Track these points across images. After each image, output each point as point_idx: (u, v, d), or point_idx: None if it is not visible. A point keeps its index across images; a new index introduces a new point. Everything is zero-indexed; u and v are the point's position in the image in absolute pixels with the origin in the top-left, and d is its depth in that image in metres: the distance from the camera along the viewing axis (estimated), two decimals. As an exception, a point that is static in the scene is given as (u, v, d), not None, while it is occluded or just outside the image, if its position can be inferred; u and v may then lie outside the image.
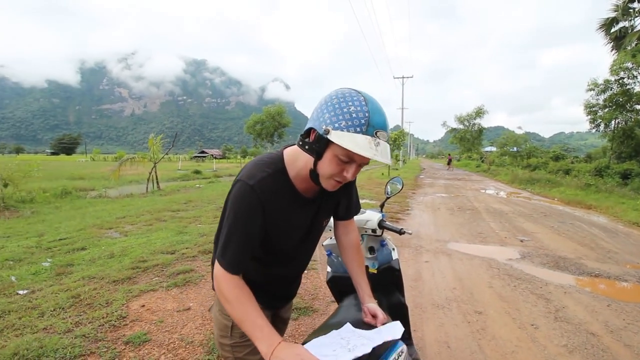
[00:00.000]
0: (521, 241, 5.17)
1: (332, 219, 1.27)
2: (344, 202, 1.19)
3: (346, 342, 0.84)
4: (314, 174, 0.90)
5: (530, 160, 23.42)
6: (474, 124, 32.75)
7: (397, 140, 22.81)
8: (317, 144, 0.85)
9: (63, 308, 2.59)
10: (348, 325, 0.96)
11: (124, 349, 2.12)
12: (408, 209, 7.91)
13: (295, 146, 0.96)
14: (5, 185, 8.14)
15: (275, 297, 1.19)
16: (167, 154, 15.83)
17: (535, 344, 2.35)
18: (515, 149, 27.37)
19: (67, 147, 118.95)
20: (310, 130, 0.87)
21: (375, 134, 0.81)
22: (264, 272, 1.11)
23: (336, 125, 0.81)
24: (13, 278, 3.20)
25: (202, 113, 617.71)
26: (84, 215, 7.06)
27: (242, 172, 0.95)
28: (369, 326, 1.03)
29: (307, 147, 0.88)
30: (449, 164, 34.13)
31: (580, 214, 7.99)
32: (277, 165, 0.95)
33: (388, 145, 0.85)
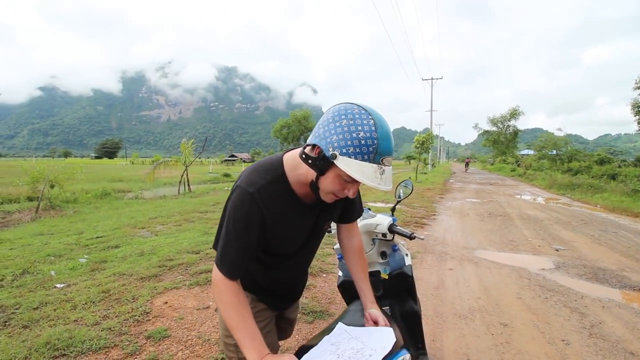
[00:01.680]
0: (556, 250, 4.85)
1: (333, 224, 1.27)
2: (346, 206, 1.17)
3: (336, 347, 0.83)
4: (314, 186, 0.89)
5: (571, 164, 21.93)
6: (508, 125, 31.29)
7: (425, 143, 22.23)
8: (321, 162, 0.83)
9: (94, 302, 2.75)
10: (340, 326, 0.94)
11: (145, 343, 2.21)
12: (434, 214, 7.67)
13: (296, 151, 0.95)
14: (52, 187, 8.82)
15: (280, 298, 1.20)
16: (198, 157, 16.47)
17: (566, 361, 2.19)
18: (554, 152, 25.80)
19: (109, 152, 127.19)
20: (314, 144, 0.85)
21: (382, 161, 0.81)
22: (268, 275, 1.12)
23: (344, 150, 0.79)
24: (53, 272, 3.46)
25: (233, 118, 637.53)
26: (120, 215, 7.50)
27: (241, 177, 0.95)
28: (361, 324, 1.02)
29: (310, 161, 0.86)
30: (466, 166, 37.88)
31: (625, 222, 7.37)
32: (277, 172, 0.94)
33: (391, 169, 0.85)
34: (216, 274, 0.93)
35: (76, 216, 7.65)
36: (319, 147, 0.83)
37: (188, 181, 13.67)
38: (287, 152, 1.00)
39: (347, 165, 0.79)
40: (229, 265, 0.91)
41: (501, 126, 31.78)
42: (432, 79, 33.17)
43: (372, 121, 0.80)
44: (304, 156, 0.88)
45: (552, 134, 28.60)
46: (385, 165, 0.82)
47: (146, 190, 13.86)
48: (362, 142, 0.78)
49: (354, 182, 0.85)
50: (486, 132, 33.00)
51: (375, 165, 0.80)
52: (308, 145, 0.89)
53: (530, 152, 34.02)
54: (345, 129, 0.80)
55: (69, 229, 5.97)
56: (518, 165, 31.55)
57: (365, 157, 0.79)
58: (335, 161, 0.80)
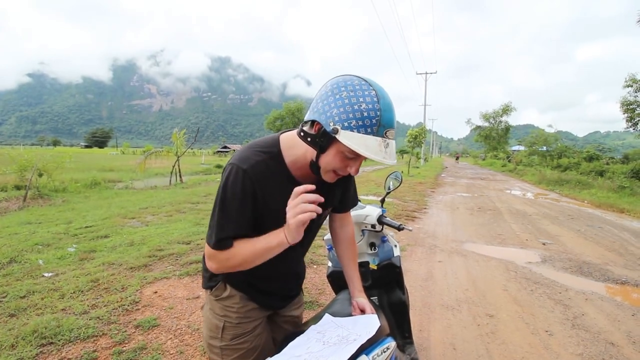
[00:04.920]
0: (543, 244, 4.95)
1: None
2: (341, 194, 1.11)
3: (321, 335, 0.84)
4: (315, 166, 0.86)
5: (561, 161, 22.30)
6: (500, 121, 31.58)
7: (419, 137, 22.32)
8: (321, 138, 0.80)
9: (82, 291, 2.73)
10: (326, 316, 0.96)
11: (134, 332, 2.21)
12: (425, 208, 7.75)
13: (293, 132, 0.91)
14: (40, 175, 8.65)
15: (272, 296, 1.08)
16: (190, 148, 16.29)
17: (548, 351, 2.25)
18: (545, 148, 26.16)
19: (99, 141, 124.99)
20: (313, 121, 0.82)
21: (385, 133, 0.78)
22: (257, 269, 0.96)
23: (346, 124, 0.76)
24: (40, 261, 3.41)
25: (226, 109, 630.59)
26: (110, 205, 7.40)
27: (235, 155, 0.91)
28: (348, 314, 1.03)
29: (309, 139, 0.83)
30: (457, 159, 41.54)
31: (611, 217, 7.54)
32: (273, 150, 0.90)
33: (395, 142, 0.82)
34: (209, 252, 0.88)
35: (65, 205, 7.53)
36: (318, 123, 0.80)
37: (180, 172, 13.54)
38: (283, 132, 0.96)
39: (349, 139, 0.75)
40: (217, 241, 0.86)
41: (493, 122, 32.07)
42: (427, 73, 33.19)
43: (374, 92, 0.77)
44: (302, 134, 0.85)
45: (543, 130, 28.96)
46: (389, 139, 0.78)
47: (137, 181, 13.69)
48: (365, 114, 0.75)
49: (356, 157, 0.81)
50: (478, 127, 33.28)
51: (379, 139, 0.76)
52: (306, 123, 0.84)
53: (521, 148, 34.47)
54: (346, 101, 0.76)
55: (58, 218, 5.88)
56: (509, 161, 31.96)
57: (369, 130, 0.75)
58: (337, 136, 0.76)
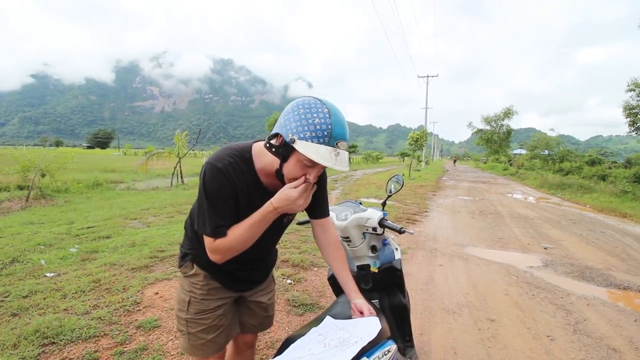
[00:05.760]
0: (545, 249, 4.94)
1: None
2: (316, 201, 1.20)
3: (323, 337, 0.85)
4: (279, 174, 0.97)
5: (562, 165, 22.22)
6: (502, 125, 31.54)
7: (420, 140, 22.29)
8: (283, 148, 0.92)
9: (84, 291, 2.74)
10: (328, 319, 0.96)
11: (135, 332, 2.22)
12: (426, 211, 7.74)
13: (263, 142, 1.03)
14: (43, 176, 8.68)
15: (235, 279, 1.21)
16: (192, 149, 16.31)
17: (550, 356, 2.25)
18: (546, 152, 26.09)
19: (102, 142, 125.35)
20: (277, 134, 0.93)
21: (336, 144, 0.89)
22: None
23: (301, 135, 0.88)
24: (43, 261, 3.43)
25: (227, 111, 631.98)
26: (112, 205, 7.43)
27: (212, 155, 1.02)
28: (349, 316, 1.04)
29: (273, 149, 0.95)
30: (454, 162, 43.54)
31: (613, 222, 7.51)
32: (244, 155, 1.02)
33: (347, 154, 0.93)
34: (208, 242, 1.00)
35: (67, 206, 7.56)
36: (281, 135, 0.92)
37: (181, 173, 13.56)
38: (256, 141, 1.08)
39: (304, 148, 0.87)
40: (213, 230, 0.98)
41: (495, 125, 32.03)
42: (428, 76, 33.23)
43: (327, 110, 0.90)
44: (268, 145, 0.97)
45: (545, 134, 28.88)
46: (340, 149, 0.90)
47: (139, 182, 13.71)
48: (317, 127, 0.87)
49: (314, 166, 0.92)
50: (480, 130, 33.23)
51: (330, 148, 0.88)
52: (272, 136, 0.96)
53: (523, 151, 34.39)
54: (302, 117, 0.89)
55: (60, 218, 5.90)
56: (510, 165, 31.90)
57: (321, 140, 0.87)
58: (294, 145, 0.88)
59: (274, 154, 0.95)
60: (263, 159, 1.01)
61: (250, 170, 1.02)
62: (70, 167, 10.20)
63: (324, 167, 0.96)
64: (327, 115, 0.89)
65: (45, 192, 8.43)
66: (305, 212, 1.23)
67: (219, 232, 0.98)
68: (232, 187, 0.97)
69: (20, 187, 8.98)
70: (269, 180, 1.04)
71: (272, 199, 0.96)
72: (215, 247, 0.99)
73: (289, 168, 0.94)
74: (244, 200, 1.01)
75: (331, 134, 0.88)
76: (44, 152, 9.88)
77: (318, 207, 1.24)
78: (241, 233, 0.98)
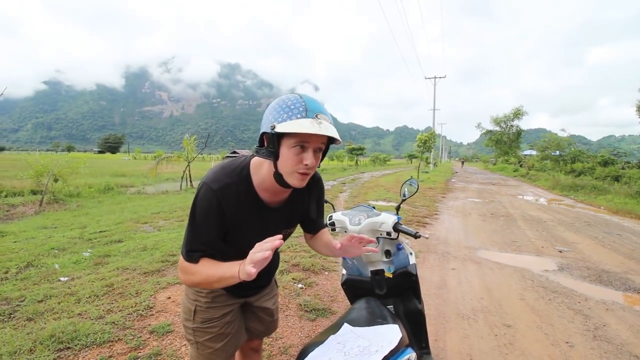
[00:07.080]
0: (560, 252, 4.83)
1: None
2: (310, 218, 1.22)
3: (342, 346, 0.83)
4: (277, 175, 0.93)
5: (574, 165, 21.81)
6: (512, 125, 31.11)
7: (428, 142, 22.12)
8: (270, 144, 0.90)
9: (97, 296, 2.77)
10: (345, 326, 0.94)
11: (149, 337, 2.22)
12: (436, 214, 7.65)
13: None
14: (56, 180, 8.85)
15: (242, 286, 1.17)
16: (200, 153, 16.46)
17: (569, 363, 2.18)
18: (557, 152, 25.65)
19: (112, 146, 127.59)
20: (262, 138, 0.94)
21: (316, 116, 0.87)
22: (230, 257, 1.11)
23: (279, 119, 0.87)
24: (57, 266, 3.47)
25: (235, 115, 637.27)
26: (123, 210, 7.52)
27: (208, 174, 1.00)
28: (367, 323, 1.02)
29: (263, 152, 0.93)
30: (462, 164, 45.51)
31: (629, 224, 7.32)
32: (242, 173, 1.00)
33: (333, 127, 0.89)
34: (180, 260, 1.00)
35: (79, 210, 7.67)
36: (265, 133, 0.91)
37: (190, 177, 13.69)
38: (253, 155, 1.05)
39: (284, 127, 0.85)
40: (187, 252, 0.97)
41: (504, 126, 31.59)
42: (435, 77, 33.02)
43: (298, 96, 0.91)
44: (257, 151, 0.96)
45: (556, 134, 28.39)
46: (321, 120, 0.87)
47: (149, 186, 13.89)
48: (292, 107, 0.88)
49: (305, 148, 0.89)
50: (489, 131, 32.80)
51: (309, 119, 0.86)
52: (260, 141, 0.96)
53: (533, 152, 33.84)
54: (277, 107, 0.90)
55: (73, 222, 5.99)
56: (520, 166, 31.43)
57: (299, 115, 0.86)
58: (276, 130, 0.85)
59: (265, 156, 0.93)
60: (261, 171, 1.00)
61: (248, 189, 1.00)
62: (82, 172, 10.39)
63: (317, 148, 0.91)
64: (299, 97, 0.90)
65: (58, 197, 8.59)
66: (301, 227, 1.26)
67: (191, 256, 0.97)
68: (220, 211, 0.96)
69: (34, 192, 9.16)
70: (267, 194, 1.03)
71: (240, 271, 0.86)
72: (183, 268, 0.98)
73: (284, 161, 0.90)
74: (241, 223, 1.01)
75: (307, 108, 0.87)
76: (56, 158, 10.06)
77: (311, 223, 1.25)
78: (205, 277, 0.94)
